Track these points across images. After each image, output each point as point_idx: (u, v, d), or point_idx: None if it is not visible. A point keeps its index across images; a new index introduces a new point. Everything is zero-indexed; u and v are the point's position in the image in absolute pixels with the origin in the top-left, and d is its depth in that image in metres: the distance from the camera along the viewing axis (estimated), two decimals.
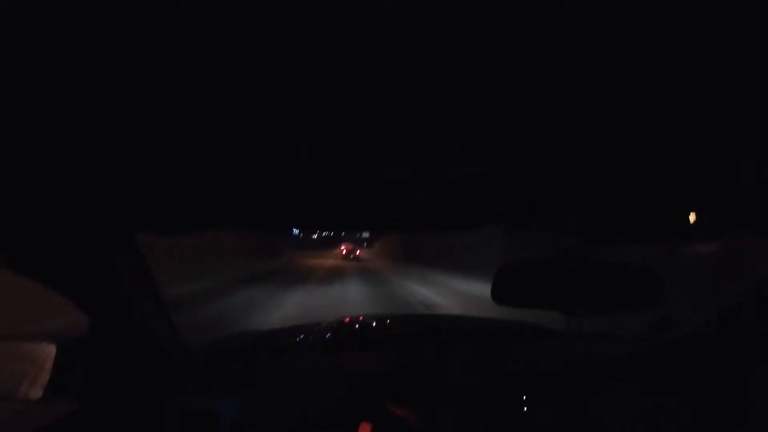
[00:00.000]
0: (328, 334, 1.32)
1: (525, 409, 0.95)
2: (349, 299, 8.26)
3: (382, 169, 0.63)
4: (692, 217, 0.77)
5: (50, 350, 0.86)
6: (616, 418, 0.93)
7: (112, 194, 0.70)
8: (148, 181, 0.67)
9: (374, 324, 1.56)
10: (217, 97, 0.45)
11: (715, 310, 1.13)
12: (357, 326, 1.53)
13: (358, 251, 30.61)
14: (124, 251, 0.86)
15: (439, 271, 12.00)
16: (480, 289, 7.51)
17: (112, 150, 0.58)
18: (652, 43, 0.38)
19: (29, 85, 0.42)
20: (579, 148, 0.61)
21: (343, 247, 30.43)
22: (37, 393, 0.82)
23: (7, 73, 0.39)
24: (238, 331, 1.56)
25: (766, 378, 0.89)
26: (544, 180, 0.70)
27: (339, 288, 10.32)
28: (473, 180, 0.68)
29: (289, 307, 7.13)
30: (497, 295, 0.90)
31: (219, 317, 6.02)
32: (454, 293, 9.00)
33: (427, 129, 0.52)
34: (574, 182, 0.72)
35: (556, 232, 1.01)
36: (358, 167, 0.62)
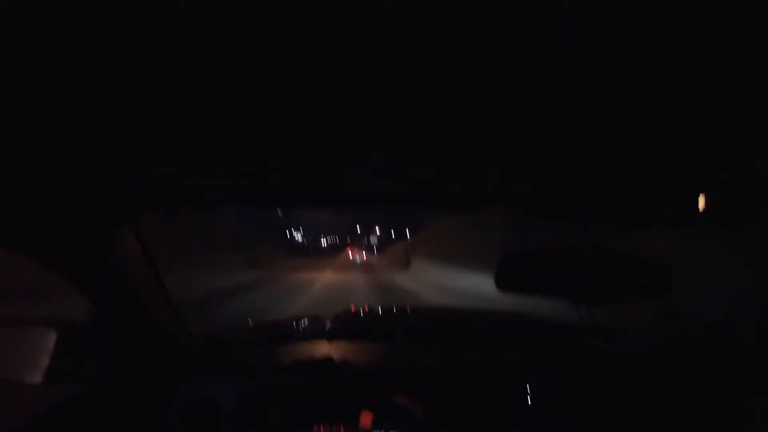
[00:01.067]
0: (332, 324, 1.32)
1: (528, 400, 0.93)
2: None
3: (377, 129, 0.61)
4: (702, 203, 0.75)
5: (51, 336, 0.86)
6: (618, 412, 0.91)
7: (112, 172, 0.70)
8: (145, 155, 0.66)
9: (378, 314, 1.55)
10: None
11: (725, 305, 1.11)
12: (361, 316, 1.52)
13: (366, 256, 29.46)
14: (125, 234, 0.85)
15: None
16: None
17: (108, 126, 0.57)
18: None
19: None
20: (588, 130, 0.59)
21: (349, 251, 29.55)
22: (37, 378, 0.82)
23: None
24: (241, 319, 1.56)
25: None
26: (553, 160, 0.69)
27: None
28: (482, 152, 0.66)
29: None
30: (502, 281, 0.86)
31: None
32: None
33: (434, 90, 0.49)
34: (583, 166, 0.71)
35: (562, 220, 0.99)
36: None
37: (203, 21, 0.35)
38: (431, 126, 0.51)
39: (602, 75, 0.44)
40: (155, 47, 0.39)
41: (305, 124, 0.50)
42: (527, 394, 0.93)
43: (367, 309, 1.63)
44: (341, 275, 14.46)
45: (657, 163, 0.70)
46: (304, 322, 1.39)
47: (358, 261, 26.81)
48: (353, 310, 1.63)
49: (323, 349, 1.09)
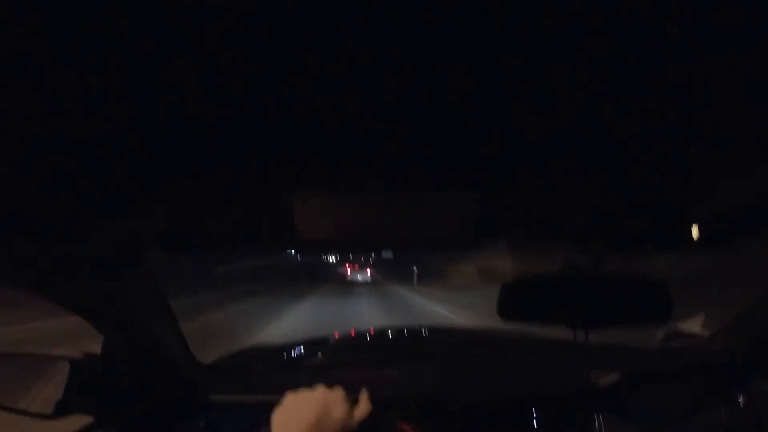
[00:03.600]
0: (339, 349, 1.33)
1: (535, 425, 0.94)
2: None
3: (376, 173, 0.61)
4: (695, 231, 0.78)
5: (63, 367, 0.87)
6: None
7: (121, 210, 0.70)
8: (158, 195, 0.66)
9: (382, 337, 1.56)
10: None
11: (724, 320, 1.13)
12: (365, 340, 1.53)
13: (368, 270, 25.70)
14: (134, 269, 0.87)
15: None
16: None
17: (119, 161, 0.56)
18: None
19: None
20: (585, 160, 0.61)
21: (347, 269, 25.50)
22: (39, 407, 0.83)
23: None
24: (247, 344, 1.55)
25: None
26: (550, 192, 0.71)
27: None
28: (475, 191, 0.68)
29: None
30: (504, 312, 0.89)
31: None
32: None
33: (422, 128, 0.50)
34: (579, 194, 0.72)
35: (562, 245, 1.00)
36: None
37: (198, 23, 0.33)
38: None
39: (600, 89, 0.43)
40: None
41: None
42: (533, 418, 0.94)
43: (373, 332, 1.64)
44: (347, 295, 14.20)
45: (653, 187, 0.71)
46: (310, 346, 1.39)
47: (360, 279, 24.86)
48: (360, 334, 1.63)
49: (331, 375, 1.10)
